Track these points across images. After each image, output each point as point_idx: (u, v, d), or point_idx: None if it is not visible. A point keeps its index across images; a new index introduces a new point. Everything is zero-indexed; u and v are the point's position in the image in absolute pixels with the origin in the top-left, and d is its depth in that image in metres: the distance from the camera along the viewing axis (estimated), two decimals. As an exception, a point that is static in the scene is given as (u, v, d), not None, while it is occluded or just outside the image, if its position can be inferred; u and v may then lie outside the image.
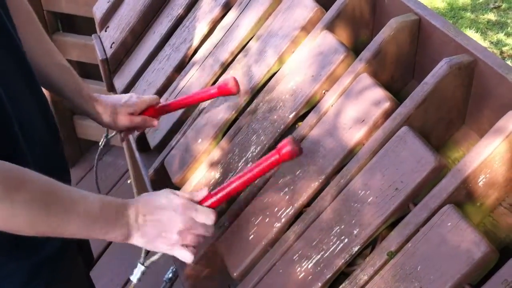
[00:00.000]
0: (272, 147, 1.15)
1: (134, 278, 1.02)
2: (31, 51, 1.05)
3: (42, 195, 0.83)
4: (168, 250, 0.95)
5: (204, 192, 0.98)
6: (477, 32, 3.71)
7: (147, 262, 1.01)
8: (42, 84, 1.13)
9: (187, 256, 0.95)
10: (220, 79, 1.24)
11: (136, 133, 1.52)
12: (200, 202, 0.97)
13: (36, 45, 1.10)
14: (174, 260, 1.25)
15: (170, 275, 1.23)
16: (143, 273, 1.02)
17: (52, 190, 0.85)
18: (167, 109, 1.29)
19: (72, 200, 0.86)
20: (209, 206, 0.97)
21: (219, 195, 0.98)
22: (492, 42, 3.63)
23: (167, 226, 0.92)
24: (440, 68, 0.94)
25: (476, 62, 0.95)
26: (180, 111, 1.41)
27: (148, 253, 1.01)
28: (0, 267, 0.94)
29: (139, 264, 1.02)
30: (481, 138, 0.87)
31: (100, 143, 1.34)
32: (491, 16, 3.87)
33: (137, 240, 0.93)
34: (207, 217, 0.95)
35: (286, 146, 0.98)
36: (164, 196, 0.95)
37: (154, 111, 1.27)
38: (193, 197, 0.97)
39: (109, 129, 1.30)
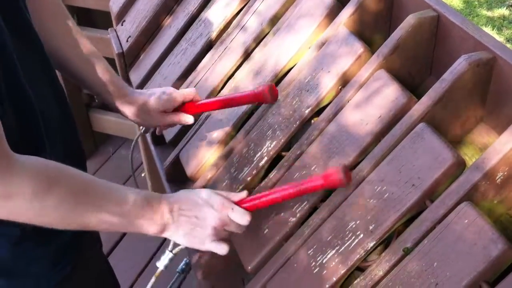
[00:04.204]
0: (287, 142, 1.16)
1: (161, 264, 1.03)
2: (59, 44, 1.06)
3: (74, 194, 0.83)
4: (201, 244, 0.97)
5: (242, 194, 1.00)
6: (493, 29, 3.68)
7: (175, 250, 1.03)
8: (71, 78, 1.13)
9: (221, 248, 0.98)
10: (260, 86, 1.16)
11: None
12: (236, 203, 0.99)
13: (64, 38, 1.09)
14: (189, 252, 1.26)
15: (184, 267, 1.24)
16: (171, 260, 1.03)
17: (84, 187, 0.86)
18: (205, 109, 1.20)
19: (104, 198, 0.87)
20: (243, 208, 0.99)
21: (256, 201, 1.00)
22: (508, 40, 3.60)
23: (203, 221, 0.95)
24: (459, 64, 0.94)
25: (495, 59, 0.94)
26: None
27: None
28: (27, 252, 0.95)
29: (167, 251, 1.03)
30: (499, 136, 0.86)
31: (140, 129, 1.26)
32: (507, 13, 3.84)
33: (171, 233, 0.95)
34: (242, 217, 0.97)
35: (334, 174, 0.95)
36: (203, 193, 0.97)
37: (191, 107, 1.18)
38: (230, 196, 0.99)
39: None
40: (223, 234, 0.98)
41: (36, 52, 0.95)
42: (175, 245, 1.02)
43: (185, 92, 1.18)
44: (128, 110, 1.17)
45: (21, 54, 0.87)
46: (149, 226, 0.93)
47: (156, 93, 1.17)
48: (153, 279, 1.04)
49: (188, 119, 1.18)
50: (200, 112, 1.23)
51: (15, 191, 0.77)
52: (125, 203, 0.89)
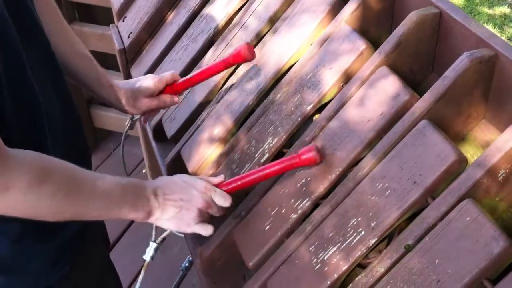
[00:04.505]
0: (288, 139, 1.16)
1: (147, 256, 1.04)
2: (53, 39, 1.06)
3: (66, 185, 0.85)
4: (187, 227, 0.99)
5: (220, 178, 1.03)
6: (494, 28, 3.68)
7: (158, 239, 1.04)
8: (67, 75, 1.14)
9: (207, 229, 1.00)
10: (236, 48, 1.23)
11: (158, 117, 1.50)
12: (215, 186, 1.02)
13: (58, 34, 1.10)
14: (190, 249, 1.26)
15: (187, 264, 1.24)
16: (155, 250, 1.04)
17: (75, 178, 0.87)
18: (187, 85, 1.25)
19: (94, 186, 0.89)
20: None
21: (233, 184, 1.03)
22: (510, 39, 3.59)
23: (188, 203, 0.97)
24: (461, 62, 0.94)
25: (497, 57, 0.94)
26: (196, 102, 1.41)
27: (162, 232, 1.04)
28: (27, 249, 0.95)
29: (151, 242, 1.04)
30: (501, 133, 0.86)
31: (126, 125, 1.30)
32: (508, 12, 3.83)
33: (158, 217, 0.97)
34: (224, 199, 1.00)
35: (308, 152, 1.00)
36: (184, 177, 1.01)
37: (174, 88, 1.23)
38: (209, 180, 1.02)
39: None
40: (206, 217, 1.00)
41: (42, 48, 0.95)
42: (158, 234, 1.04)
43: (166, 74, 1.23)
44: (117, 100, 1.20)
45: (27, 50, 0.88)
46: (136, 213, 0.95)
47: (141, 79, 1.22)
48: (142, 272, 1.05)
49: (174, 98, 1.24)
50: (185, 89, 1.27)
51: (10, 184, 0.78)
52: (111, 191, 0.91)
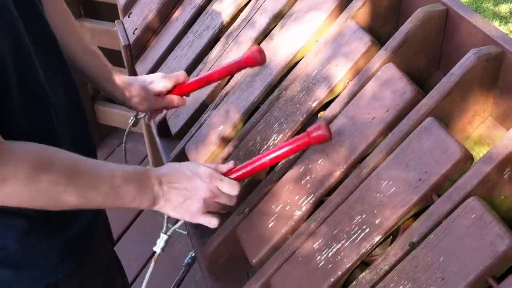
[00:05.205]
0: (293, 135, 1.15)
1: (158, 248, 1.03)
2: (60, 35, 1.06)
3: (67, 174, 0.84)
4: (192, 217, 0.98)
5: (229, 165, 1.00)
6: (499, 25, 3.67)
7: (169, 231, 1.03)
8: (74, 70, 1.14)
9: (211, 221, 0.98)
10: (247, 51, 1.21)
11: (163, 114, 1.49)
12: (224, 174, 0.99)
13: (65, 30, 1.10)
14: (193, 245, 1.26)
15: (189, 261, 1.24)
16: (166, 242, 1.03)
17: (77, 167, 0.87)
18: (196, 86, 1.23)
19: (96, 176, 0.88)
20: (233, 179, 0.99)
21: (243, 170, 1.00)
22: (515, 36, 3.58)
23: (192, 193, 0.95)
24: (468, 59, 0.93)
25: (505, 54, 0.93)
26: (201, 98, 1.41)
27: (175, 223, 1.03)
28: (34, 244, 0.95)
29: (161, 234, 1.03)
30: (507, 131, 0.86)
31: (129, 122, 1.29)
32: (513, 8, 3.82)
33: (162, 206, 0.96)
34: (231, 187, 0.97)
35: (316, 130, 0.97)
36: (191, 165, 0.98)
37: (183, 88, 1.22)
38: (218, 168, 0.99)
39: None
40: (214, 207, 0.98)
41: (49, 43, 0.95)
42: (169, 227, 1.02)
43: (178, 75, 1.21)
44: (125, 96, 1.19)
45: (34, 44, 0.88)
46: (140, 201, 0.93)
47: (151, 77, 1.20)
48: (152, 264, 1.03)
49: (183, 99, 1.22)
50: (193, 90, 1.25)
51: (8, 176, 0.77)
52: (115, 180, 0.90)
